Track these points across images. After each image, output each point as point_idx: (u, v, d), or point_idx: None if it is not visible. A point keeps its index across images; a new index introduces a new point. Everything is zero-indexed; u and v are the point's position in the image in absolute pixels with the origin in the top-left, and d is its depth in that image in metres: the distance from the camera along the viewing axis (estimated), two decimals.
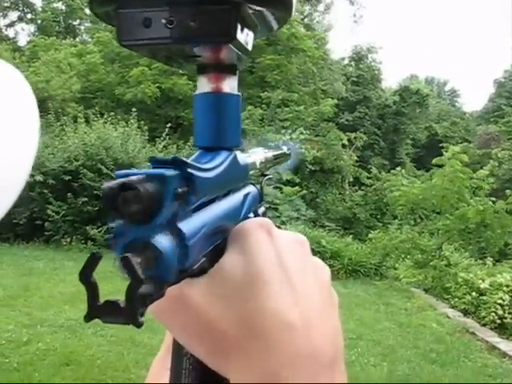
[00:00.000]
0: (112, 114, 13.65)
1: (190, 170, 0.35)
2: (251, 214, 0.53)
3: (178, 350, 0.44)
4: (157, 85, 20.29)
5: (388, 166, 22.90)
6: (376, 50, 29.34)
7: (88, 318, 0.30)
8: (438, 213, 10.75)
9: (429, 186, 10.58)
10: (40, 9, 31.39)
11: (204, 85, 0.44)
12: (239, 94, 0.46)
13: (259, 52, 21.66)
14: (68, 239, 11.16)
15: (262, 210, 0.57)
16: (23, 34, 53.98)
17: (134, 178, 0.31)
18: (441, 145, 11.83)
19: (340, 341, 0.42)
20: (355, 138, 22.39)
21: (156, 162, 0.35)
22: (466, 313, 8.15)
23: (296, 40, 22.28)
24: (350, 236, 13.96)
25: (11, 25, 32.68)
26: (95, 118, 13.07)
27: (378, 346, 6.42)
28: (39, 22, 30.77)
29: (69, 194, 11.06)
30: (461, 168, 10.21)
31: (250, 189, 0.54)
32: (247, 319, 0.38)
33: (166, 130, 12.91)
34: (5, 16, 32.46)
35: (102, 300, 0.30)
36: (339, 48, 35.30)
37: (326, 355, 0.39)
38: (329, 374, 0.39)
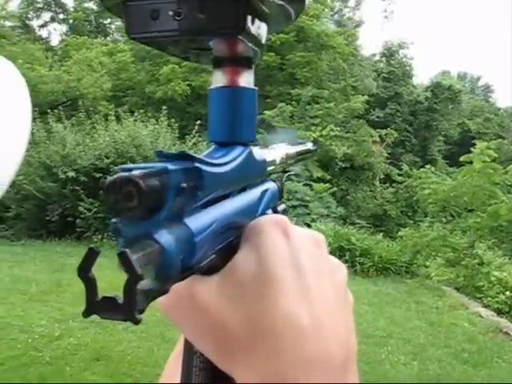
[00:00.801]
0: (142, 111, 13.75)
1: (197, 165, 0.34)
2: (269, 211, 0.51)
3: (189, 348, 0.43)
4: (187, 82, 20.42)
5: (419, 162, 22.65)
6: (407, 45, 29.08)
7: (86, 313, 0.30)
8: (469, 210, 10.59)
9: (459, 183, 10.41)
10: (72, 9, 31.84)
11: (219, 79, 0.43)
12: (255, 88, 0.45)
13: (289, 49, 21.63)
14: (99, 236, 11.27)
15: (282, 207, 0.56)
16: (55, 33, 54.88)
17: (135, 172, 0.30)
18: (474, 141, 11.63)
19: (353, 342, 0.41)
20: (386, 134, 22.19)
21: (163, 157, 0.34)
22: (499, 312, 8.00)
23: (326, 37, 22.19)
24: (381, 233, 13.85)
25: (44, 25, 33.25)
26: (125, 116, 13.18)
27: (409, 344, 6.36)
28: (71, 21, 31.25)
29: (100, 192, 11.14)
30: (490, 164, 10.03)
31: (269, 185, 0.53)
32: (257, 319, 0.37)
33: (196, 127, 12.94)
34: (38, 17, 33.01)
35: (100, 296, 0.29)
36: (370, 44, 35.10)
37: (338, 357, 0.38)
38: (340, 377, 0.38)
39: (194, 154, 0.35)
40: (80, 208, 11.09)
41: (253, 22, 0.38)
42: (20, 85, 0.49)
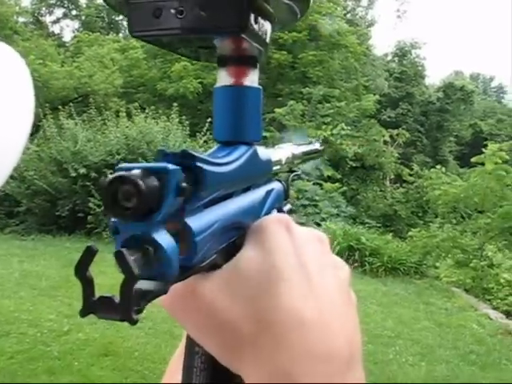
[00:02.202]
0: (153, 108, 13.78)
1: (199, 164, 0.34)
2: (274, 211, 0.51)
3: (190, 348, 0.43)
4: (199, 80, 20.42)
5: (430, 163, 22.51)
6: (420, 45, 28.88)
7: (83, 313, 0.30)
8: (480, 212, 10.53)
9: (470, 184, 10.35)
10: (84, 5, 31.97)
11: (224, 77, 0.43)
12: (260, 87, 0.45)
13: (301, 48, 21.58)
14: (109, 232, 11.31)
15: (287, 207, 0.56)
16: (68, 30, 55.05)
17: (134, 172, 0.30)
18: (485, 142, 11.56)
19: (358, 341, 0.41)
20: (397, 134, 22.11)
21: (164, 156, 0.34)
22: (508, 314, 7.95)
23: (338, 35, 22.11)
24: (391, 233, 13.80)
25: (56, 21, 33.42)
26: (137, 113, 13.20)
27: (417, 345, 6.33)
28: (83, 18, 31.35)
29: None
30: (501, 166, 9.96)
31: (275, 185, 0.53)
32: (261, 315, 0.37)
33: (207, 124, 12.93)
34: (51, 13, 33.19)
35: (97, 295, 0.30)
36: (382, 44, 34.95)
37: (342, 355, 0.38)
38: (344, 374, 0.37)
39: (196, 153, 0.35)
40: (90, 204, 11.11)
41: (256, 21, 0.38)
42: (23, 74, 0.49)
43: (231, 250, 0.40)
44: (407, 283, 9.74)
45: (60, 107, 13.04)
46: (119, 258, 0.28)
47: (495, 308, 8.31)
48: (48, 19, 33.20)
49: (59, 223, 11.55)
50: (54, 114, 13.15)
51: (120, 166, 0.31)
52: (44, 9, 32.51)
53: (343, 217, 14.51)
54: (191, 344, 0.43)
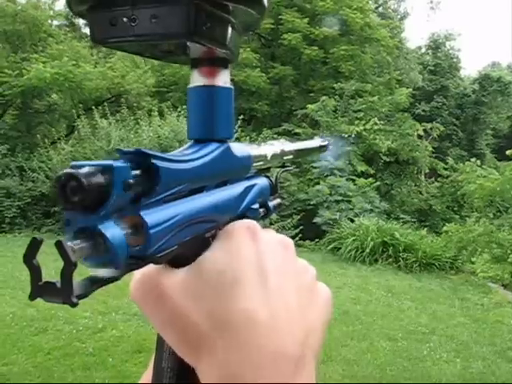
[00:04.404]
0: (185, 107, 13.84)
1: (153, 161, 0.36)
2: (256, 205, 0.53)
3: (160, 345, 0.46)
4: (230, 77, 20.47)
5: (466, 157, 22.12)
6: (454, 37, 28.43)
7: (32, 297, 0.32)
8: None
9: (506, 178, 10.15)
10: None
11: (196, 78, 0.46)
12: (231, 87, 0.47)
13: (332, 43, 21.44)
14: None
15: (274, 202, 0.57)
16: None
17: (82, 169, 0.33)
18: None
19: (314, 343, 0.43)
20: (431, 128, 21.78)
21: (122, 153, 0.37)
22: None
23: (370, 29, 21.88)
24: (425, 229, 13.62)
25: None
26: (169, 112, 13.31)
27: (452, 341, 6.25)
28: None
29: None
30: None
31: (259, 180, 0.54)
32: (217, 315, 0.39)
33: (239, 121, 12.96)
34: None
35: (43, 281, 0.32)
36: (416, 36, 34.43)
37: (290, 354, 0.39)
38: (291, 372, 0.39)
39: (150, 152, 0.37)
40: None
41: (206, 26, 0.39)
42: None
43: (201, 242, 0.42)
44: (442, 279, 9.62)
45: (94, 107, 13.23)
46: (58, 247, 0.31)
47: None
48: (81, 21, 33.73)
49: None
50: (88, 114, 13.35)
51: (73, 163, 0.34)
52: None
53: (377, 212, 14.34)
54: (161, 341, 0.45)
